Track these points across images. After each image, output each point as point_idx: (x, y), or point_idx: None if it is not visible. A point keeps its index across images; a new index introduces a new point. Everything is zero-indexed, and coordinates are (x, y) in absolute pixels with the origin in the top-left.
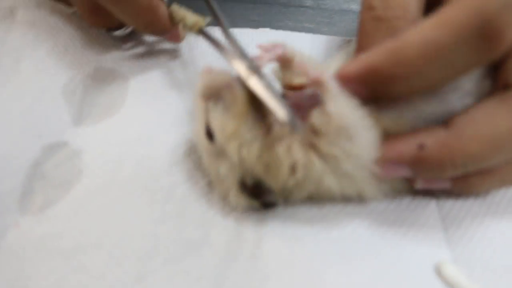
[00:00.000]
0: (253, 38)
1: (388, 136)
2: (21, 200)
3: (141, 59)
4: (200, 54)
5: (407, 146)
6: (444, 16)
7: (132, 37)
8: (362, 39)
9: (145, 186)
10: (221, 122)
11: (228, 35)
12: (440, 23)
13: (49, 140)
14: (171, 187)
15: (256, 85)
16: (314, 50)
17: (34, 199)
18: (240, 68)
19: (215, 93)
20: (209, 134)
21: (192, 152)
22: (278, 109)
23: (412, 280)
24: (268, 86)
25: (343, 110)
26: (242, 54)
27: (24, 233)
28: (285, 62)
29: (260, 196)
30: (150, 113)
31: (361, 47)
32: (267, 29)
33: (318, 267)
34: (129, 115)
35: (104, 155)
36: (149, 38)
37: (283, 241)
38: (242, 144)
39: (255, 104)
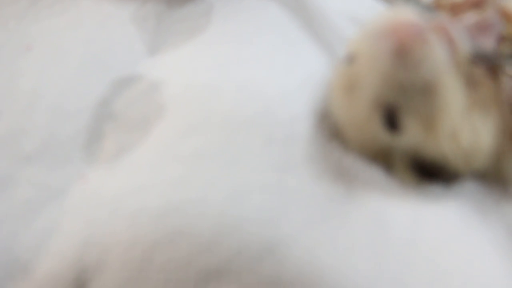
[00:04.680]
0: None
1: None
2: (88, 147)
3: None
4: None
5: None
6: None
7: None
8: None
9: (255, 120)
10: (419, 120)
11: None
12: None
13: (119, 74)
14: (292, 122)
15: None
16: None
17: (104, 145)
18: None
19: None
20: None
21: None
22: None
23: None
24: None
25: None
26: None
27: (92, 189)
28: None
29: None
30: (249, 29)
31: None
32: None
33: None
34: (216, 36)
35: (193, 85)
36: None
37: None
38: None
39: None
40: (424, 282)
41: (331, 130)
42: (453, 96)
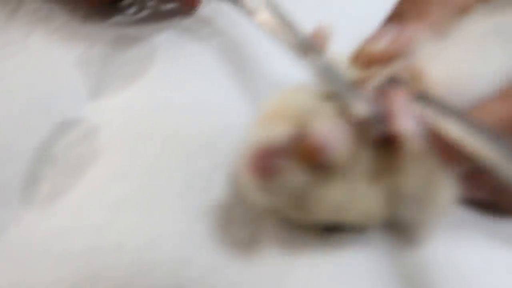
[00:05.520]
0: None
1: None
2: (25, 190)
3: (158, 20)
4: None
5: None
6: None
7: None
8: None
9: (179, 167)
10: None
11: None
12: None
13: (60, 117)
14: (211, 171)
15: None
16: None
17: (40, 188)
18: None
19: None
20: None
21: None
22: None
23: None
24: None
25: None
26: (287, 25)
27: (27, 230)
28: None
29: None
30: (177, 82)
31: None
32: None
33: None
34: (153, 85)
35: (126, 130)
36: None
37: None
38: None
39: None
40: None
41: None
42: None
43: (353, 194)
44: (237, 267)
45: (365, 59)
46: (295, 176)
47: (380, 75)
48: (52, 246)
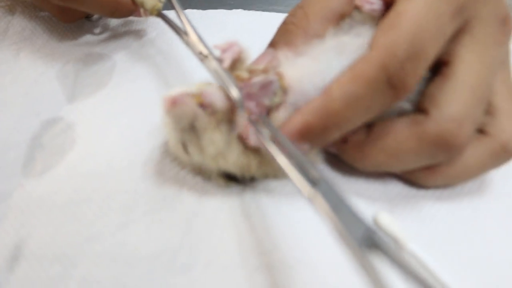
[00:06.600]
0: (227, 19)
1: None
2: (24, 167)
3: (117, 40)
4: (162, 33)
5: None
6: (358, 71)
7: (100, 23)
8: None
9: (127, 150)
10: (197, 147)
11: (182, 18)
12: (355, 78)
13: (47, 116)
14: (150, 151)
15: (214, 67)
16: None
17: (35, 165)
18: (196, 51)
19: (186, 125)
20: (186, 150)
21: None
22: (232, 89)
23: None
24: (223, 70)
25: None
26: (198, 36)
27: (27, 193)
28: (239, 59)
29: (235, 179)
30: (130, 88)
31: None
32: (240, 10)
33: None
34: (113, 91)
35: (93, 126)
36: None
37: (243, 200)
38: (219, 159)
39: (223, 120)
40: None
41: None
42: (208, 133)
43: (229, 147)
44: (159, 207)
45: (252, 70)
46: (190, 107)
47: (258, 76)
48: (45, 204)
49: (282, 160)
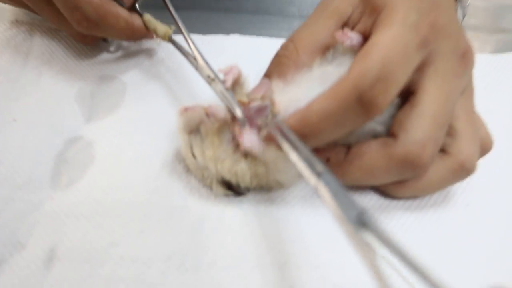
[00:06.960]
0: (225, 43)
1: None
2: (52, 180)
3: (129, 59)
4: (171, 53)
5: (320, 156)
6: (333, 90)
7: (114, 42)
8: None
9: (142, 165)
10: (200, 149)
11: (190, 44)
12: (331, 96)
13: (69, 135)
14: (162, 166)
15: (220, 89)
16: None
17: (61, 179)
18: (204, 75)
19: (193, 128)
20: (193, 155)
21: (177, 140)
22: (237, 109)
23: None
24: (227, 92)
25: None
26: (205, 62)
27: (56, 203)
28: (238, 83)
29: (232, 189)
30: (142, 107)
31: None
32: (237, 35)
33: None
34: (126, 111)
35: (110, 144)
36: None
37: (242, 209)
38: (217, 163)
39: (224, 131)
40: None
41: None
42: (209, 137)
43: (225, 154)
44: (170, 216)
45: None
46: (198, 112)
47: (256, 101)
48: (72, 213)
49: (293, 156)
